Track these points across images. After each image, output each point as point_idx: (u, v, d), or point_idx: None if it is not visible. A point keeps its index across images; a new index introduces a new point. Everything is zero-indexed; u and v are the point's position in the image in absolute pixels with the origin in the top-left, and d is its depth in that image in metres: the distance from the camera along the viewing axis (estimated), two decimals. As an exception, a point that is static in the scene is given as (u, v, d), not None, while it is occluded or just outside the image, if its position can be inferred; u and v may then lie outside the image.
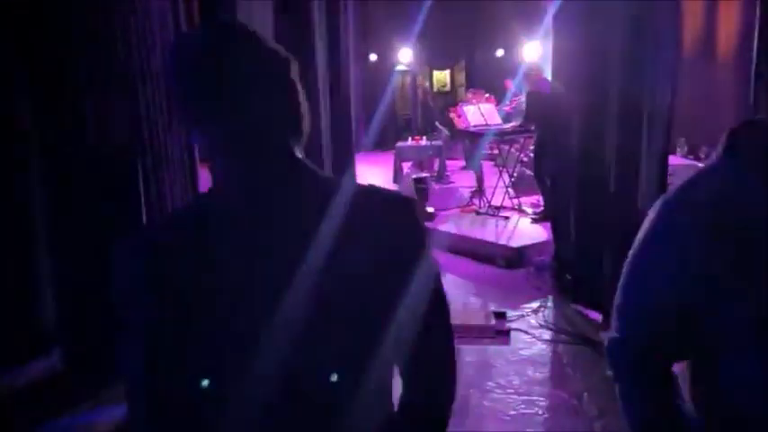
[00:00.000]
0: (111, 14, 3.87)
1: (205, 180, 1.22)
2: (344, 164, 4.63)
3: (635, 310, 1.12)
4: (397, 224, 0.96)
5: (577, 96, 4.20)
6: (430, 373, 1.04)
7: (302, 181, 0.94)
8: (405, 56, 12.47)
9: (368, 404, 0.97)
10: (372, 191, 1.01)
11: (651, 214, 1.09)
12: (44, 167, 3.10)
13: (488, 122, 6.83)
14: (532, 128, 6.64)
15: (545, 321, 4.23)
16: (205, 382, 0.90)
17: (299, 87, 0.95)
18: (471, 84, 13.41)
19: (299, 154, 0.95)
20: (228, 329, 0.90)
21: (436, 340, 1.03)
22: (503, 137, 7.52)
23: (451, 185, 8.29)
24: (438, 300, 1.01)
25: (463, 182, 8.79)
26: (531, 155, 8.02)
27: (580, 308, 4.33)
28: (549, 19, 8.17)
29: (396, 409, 1.04)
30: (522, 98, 9.49)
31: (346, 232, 0.91)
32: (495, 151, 9.12)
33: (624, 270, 1.13)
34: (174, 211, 0.82)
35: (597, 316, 4.12)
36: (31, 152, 3.18)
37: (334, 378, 0.92)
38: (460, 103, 8.11)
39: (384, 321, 0.94)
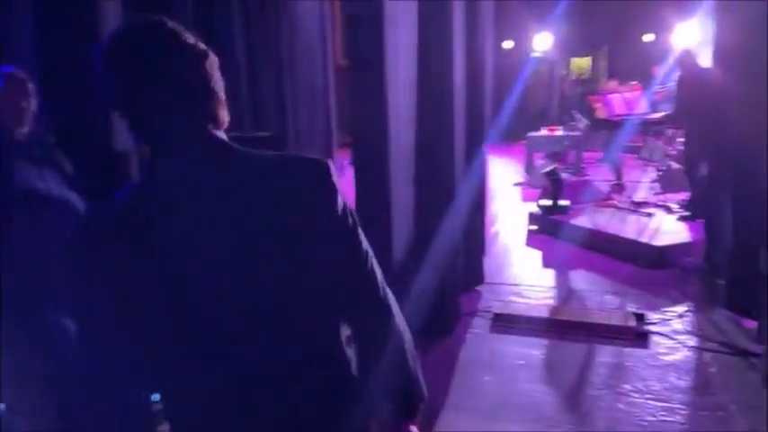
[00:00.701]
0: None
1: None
2: (476, 154, 4.59)
3: None
4: (310, 185, 1.06)
5: (740, 82, 3.82)
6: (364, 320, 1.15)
7: (224, 160, 1.03)
8: (542, 42, 12.03)
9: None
10: (289, 159, 1.11)
11: None
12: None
13: (634, 111, 6.40)
14: (682, 119, 6.13)
15: (691, 327, 3.92)
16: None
17: (215, 78, 1.04)
18: (614, 71, 12.65)
19: (221, 136, 1.05)
20: (165, 317, 0.99)
21: (362, 290, 1.13)
22: (650, 127, 7.05)
23: (587, 178, 7.90)
24: (357, 254, 1.12)
25: (600, 175, 8.35)
26: (681, 147, 7.45)
27: (732, 315, 3.96)
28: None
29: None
30: (673, 85, 8.80)
31: (265, 203, 1.01)
32: (639, 144, 8.58)
33: None
34: (112, 203, 1.03)
35: (751, 324, 3.75)
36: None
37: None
38: (604, 91, 7.67)
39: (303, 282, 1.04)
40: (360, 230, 1.12)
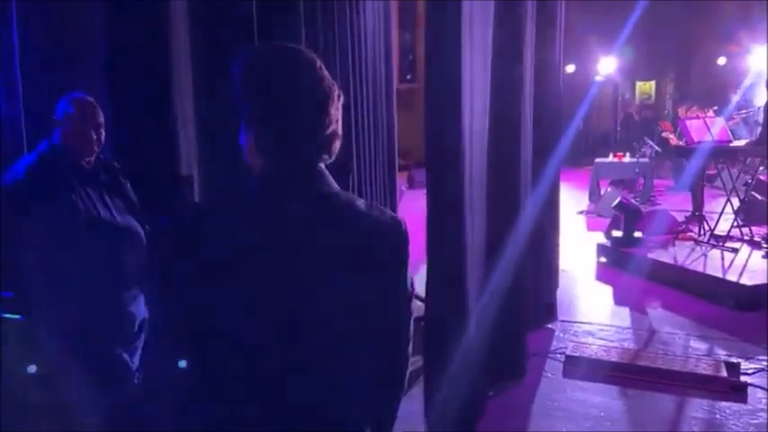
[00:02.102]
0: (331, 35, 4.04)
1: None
2: (547, 181, 4.32)
3: None
4: (386, 243, 1.13)
5: None
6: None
7: (318, 190, 1.10)
8: (606, 66, 11.67)
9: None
10: (374, 210, 1.14)
11: None
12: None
13: (717, 138, 5.98)
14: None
15: (793, 380, 3.51)
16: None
17: (335, 115, 1.10)
18: (682, 96, 12.12)
19: (322, 167, 1.12)
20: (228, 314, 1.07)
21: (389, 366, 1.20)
22: (724, 155, 6.57)
23: (660, 208, 7.46)
24: (399, 315, 1.19)
25: (672, 205, 7.90)
26: (762, 177, 6.94)
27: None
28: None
29: None
30: (751, 111, 8.30)
31: (339, 243, 1.08)
32: (712, 172, 8.09)
33: None
34: (217, 197, 1.30)
35: None
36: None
37: None
38: (683, 117, 7.26)
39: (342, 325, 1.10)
40: (410, 298, 1.25)
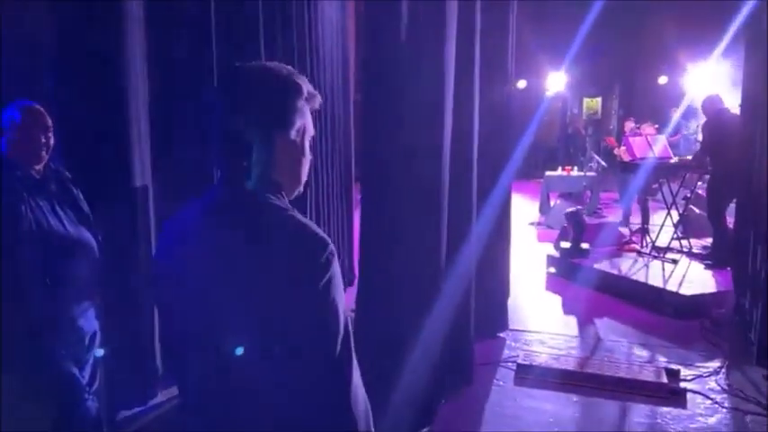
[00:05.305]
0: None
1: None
2: (493, 190, 4.42)
3: None
4: (302, 261, 1.03)
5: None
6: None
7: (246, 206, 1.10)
8: (555, 82, 12.04)
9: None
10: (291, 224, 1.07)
11: None
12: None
13: (658, 155, 6.27)
14: (706, 163, 6.00)
15: (728, 386, 3.70)
16: None
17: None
18: (627, 112, 12.61)
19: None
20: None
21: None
22: (673, 172, 6.89)
23: (605, 221, 7.74)
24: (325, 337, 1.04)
25: (617, 217, 8.21)
26: (699, 192, 7.30)
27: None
28: (726, 41, 7.42)
29: None
30: (692, 129, 8.73)
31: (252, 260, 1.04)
32: (654, 186, 8.45)
33: None
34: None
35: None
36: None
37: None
38: (629, 133, 7.57)
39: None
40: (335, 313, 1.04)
